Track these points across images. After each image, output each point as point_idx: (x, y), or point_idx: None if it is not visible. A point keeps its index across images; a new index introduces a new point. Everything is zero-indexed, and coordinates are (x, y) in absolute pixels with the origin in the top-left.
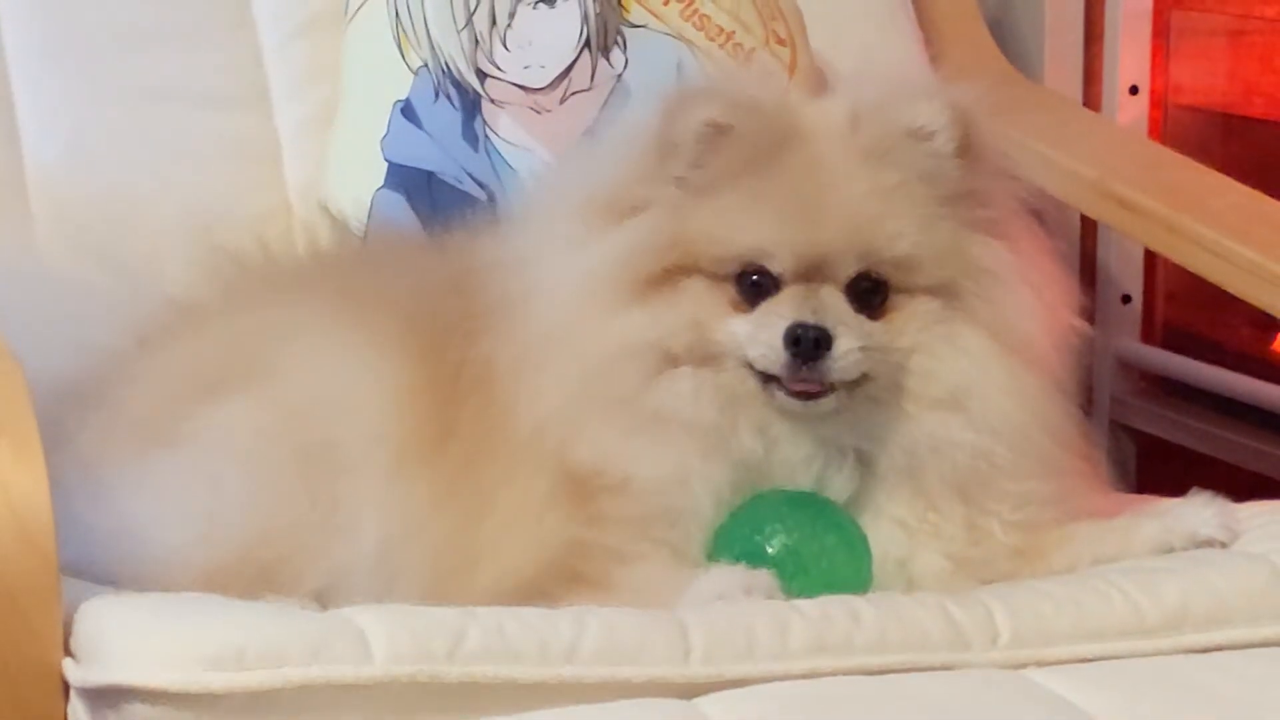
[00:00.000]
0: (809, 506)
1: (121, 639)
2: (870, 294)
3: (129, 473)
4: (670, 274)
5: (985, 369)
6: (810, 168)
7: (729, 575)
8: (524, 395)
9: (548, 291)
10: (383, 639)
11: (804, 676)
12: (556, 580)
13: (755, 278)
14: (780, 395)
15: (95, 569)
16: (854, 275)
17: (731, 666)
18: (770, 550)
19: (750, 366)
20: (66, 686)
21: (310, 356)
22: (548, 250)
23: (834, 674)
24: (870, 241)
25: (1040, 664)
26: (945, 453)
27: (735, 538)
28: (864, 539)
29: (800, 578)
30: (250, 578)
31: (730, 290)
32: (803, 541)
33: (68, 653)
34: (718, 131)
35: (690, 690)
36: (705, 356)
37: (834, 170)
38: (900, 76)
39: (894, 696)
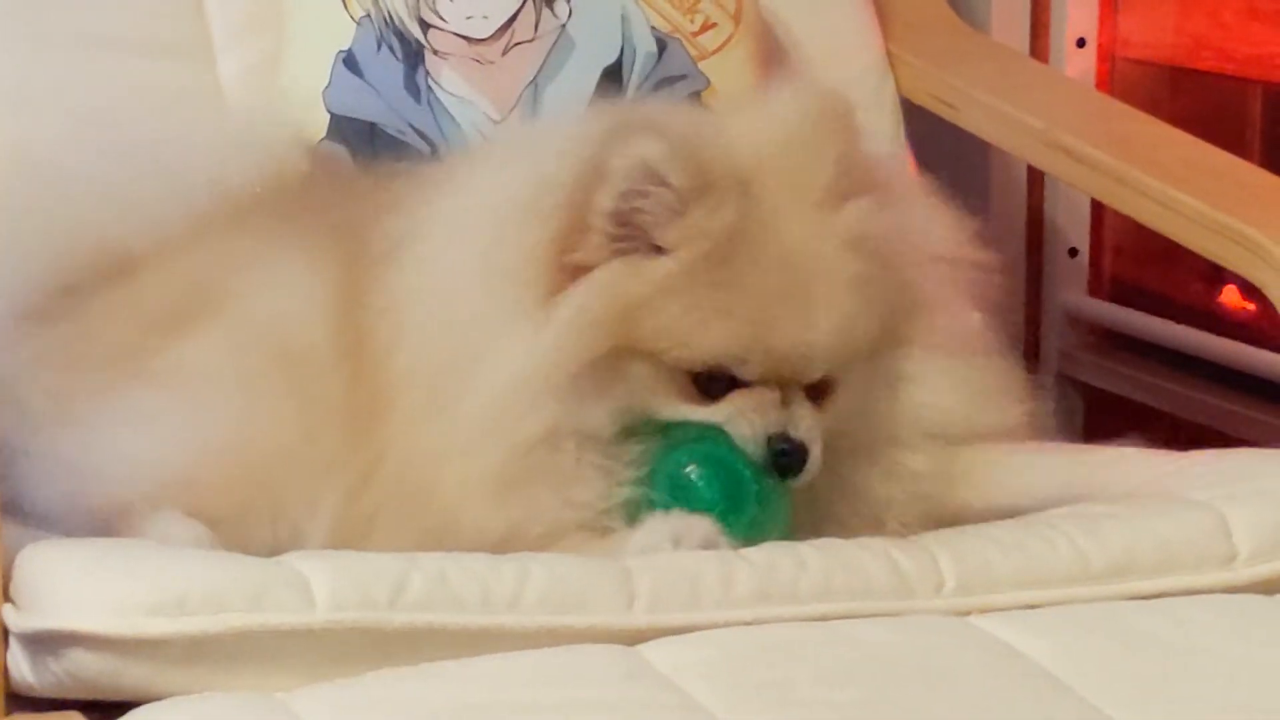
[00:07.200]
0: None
1: (62, 585)
2: (822, 387)
3: (103, 414)
4: (608, 357)
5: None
6: (788, 250)
7: (661, 526)
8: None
9: (485, 368)
10: (325, 586)
11: (748, 624)
12: None
13: (718, 377)
14: None
15: (69, 516)
16: (819, 379)
17: (676, 615)
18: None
19: None
20: (5, 632)
21: (264, 280)
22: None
23: (778, 621)
24: (848, 345)
25: (984, 610)
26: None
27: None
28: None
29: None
30: (236, 514)
31: (682, 379)
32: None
33: (7, 599)
34: (658, 183)
35: (635, 637)
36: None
37: (816, 254)
38: None
39: (837, 642)
